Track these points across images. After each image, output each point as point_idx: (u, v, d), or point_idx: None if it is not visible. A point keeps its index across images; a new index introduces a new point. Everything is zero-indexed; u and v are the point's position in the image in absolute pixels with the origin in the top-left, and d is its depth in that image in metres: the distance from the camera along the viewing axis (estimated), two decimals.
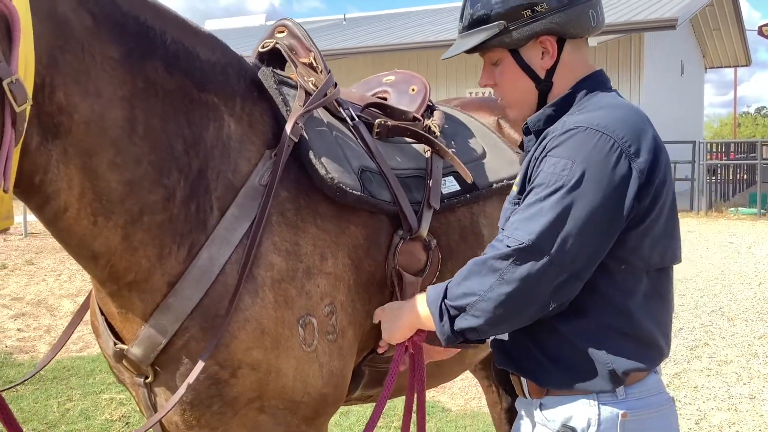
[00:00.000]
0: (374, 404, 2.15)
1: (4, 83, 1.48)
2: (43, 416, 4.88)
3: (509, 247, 1.66)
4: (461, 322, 1.74)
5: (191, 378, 1.84)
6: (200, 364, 1.84)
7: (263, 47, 2.34)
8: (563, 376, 1.76)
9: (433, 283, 2.12)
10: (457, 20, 2.00)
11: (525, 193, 1.75)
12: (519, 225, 1.68)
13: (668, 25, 16.29)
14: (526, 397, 1.88)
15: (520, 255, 1.65)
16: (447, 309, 1.77)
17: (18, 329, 7.09)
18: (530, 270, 1.64)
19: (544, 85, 1.86)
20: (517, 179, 1.87)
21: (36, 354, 6.31)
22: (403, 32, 20.61)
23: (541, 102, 1.88)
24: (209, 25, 28.56)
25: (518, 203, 1.79)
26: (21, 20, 1.50)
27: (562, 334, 1.75)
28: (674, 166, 20.20)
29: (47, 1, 1.61)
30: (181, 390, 1.85)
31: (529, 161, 1.80)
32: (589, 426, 1.72)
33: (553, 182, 1.66)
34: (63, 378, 5.63)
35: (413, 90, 2.64)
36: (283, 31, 2.35)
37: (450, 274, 2.02)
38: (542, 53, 1.84)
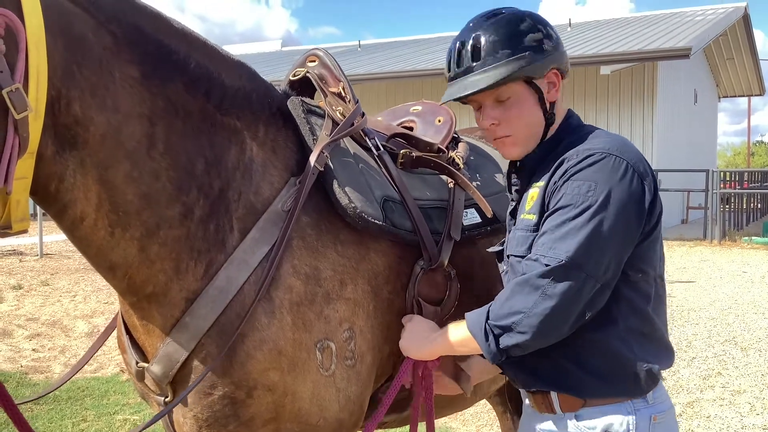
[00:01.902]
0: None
1: (4, 92, 1.56)
2: None
3: (548, 265, 1.77)
4: (507, 340, 1.82)
5: (197, 381, 1.88)
6: (207, 370, 1.88)
7: (294, 75, 2.38)
8: (604, 384, 1.86)
9: (453, 314, 2.22)
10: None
11: (546, 216, 1.85)
12: (553, 244, 1.79)
13: (682, 54, 16.34)
14: (556, 413, 1.93)
15: (559, 271, 1.76)
16: (491, 329, 1.85)
17: (33, 349, 7.15)
18: (570, 284, 1.75)
19: (550, 118, 1.96)
20: (530, 207, 1.93)
21: (51, 374, 6.36)
22: (417, 59, 20.76)
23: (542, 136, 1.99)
24: None
25: (537, 230, 1.87)
26: (33, 35, 1.60)
27: (599, 341, 1.86)
28: (687, 194, 20.21)
29: (62, 19, 1.69)
30: (188, 391, 1.90)
31: (545, 190, 1.88)
32: (628, 431, 1.85)
33: (580, 203, 1.78)
34: (77, 398, 5.67)
35: (439, 121, 2.67)
36: (314, 61, 2.39)
37: (470, 304, 2.07)
38: (548, 87, 1.95)
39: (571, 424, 1.90)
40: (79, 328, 8.05)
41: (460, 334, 1.95)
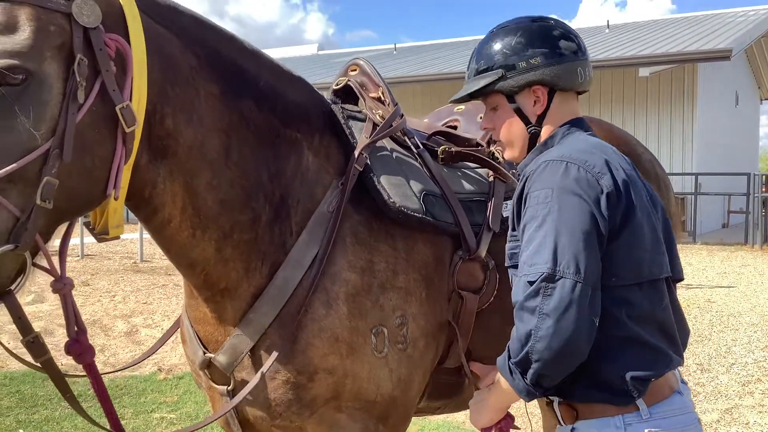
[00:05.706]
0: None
1: (117, 108, 1.77)
2: None
3: (532, 282, 1.74)
4: (531, 373, 1.77)
5: (265, 368, 2.06)
6: (271, 361, 2.06)
7: (337, 85, 2.56)
8: (586, 389, 1.82)
9: (492, 302, 2.34)
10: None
11: (520, 233, 1.87)
12: (530, 260, 1.78)
13: (722, 56, 16.10)
14: (561, 424, 1.92)
15: (545, 285, 1.73)
16: (515, 367, 1.81)
17: None
18: (561, 294, 1.71)
19: (533, 129, 2.04)
20: (510, 217, 2.00)
21: None
22: (451, 62, 20.72)
23: (531, 145, 2.05)
24: None
25: (514, 239, 1.94)
26: (138, 57, 1.81)
27: None
28: (728, 198, 19.88)
29: (157, 41, 1.89)
30: (251, 384, 2.07)
31: (516, 200, 1.93)
32: None
33: (542, 210, 1.79)
34: (115, 396, 5.76)
35: (481, 118, 2.76)
36: (355, 70, 2.61)
37: (510, 294, 2.06)
38: (534, 101, 2.03)
39: None
40: (118, 327, 8.18)
41: (504, 385, 1.91)
